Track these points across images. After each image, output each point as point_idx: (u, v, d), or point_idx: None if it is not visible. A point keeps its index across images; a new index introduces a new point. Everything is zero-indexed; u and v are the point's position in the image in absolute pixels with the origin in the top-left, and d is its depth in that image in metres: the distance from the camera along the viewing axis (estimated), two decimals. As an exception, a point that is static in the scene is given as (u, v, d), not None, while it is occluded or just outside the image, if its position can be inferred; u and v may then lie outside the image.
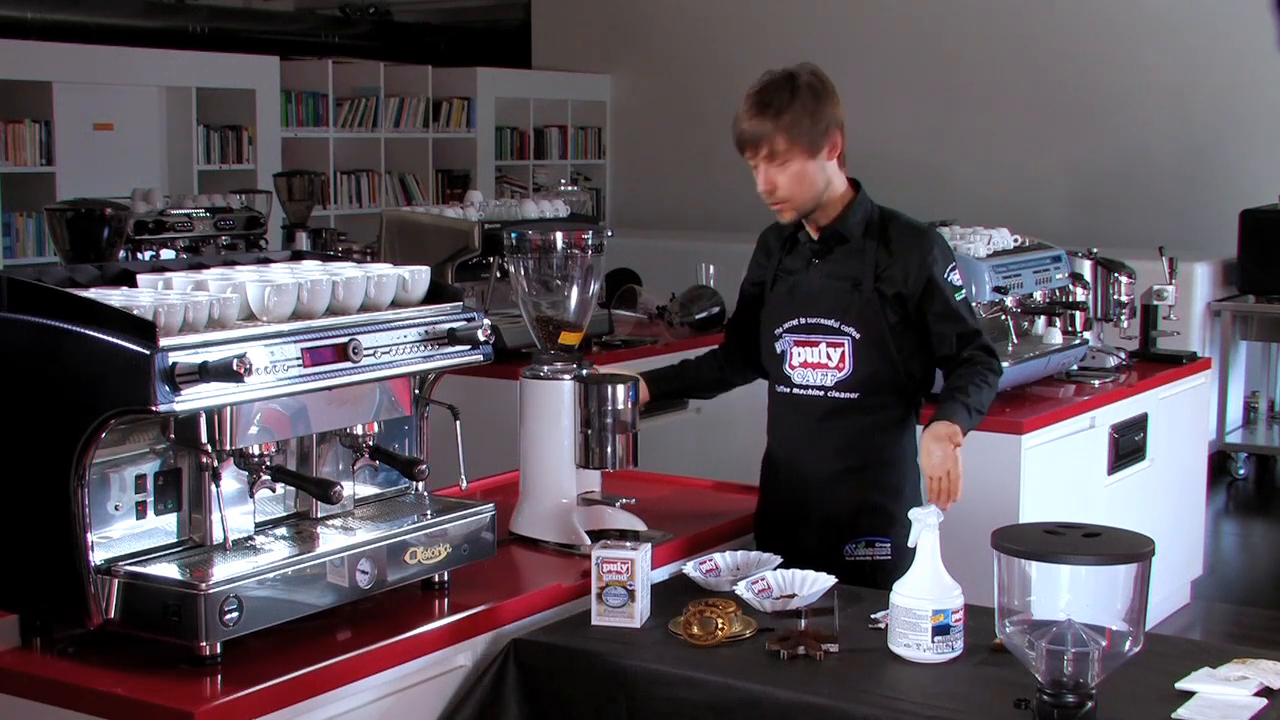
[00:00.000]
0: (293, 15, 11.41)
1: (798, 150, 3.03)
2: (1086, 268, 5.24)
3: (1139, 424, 5.17)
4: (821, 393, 3.12)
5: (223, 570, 2.30)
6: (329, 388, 2.43)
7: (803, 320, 3.14)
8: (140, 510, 2.35)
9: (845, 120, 3.11)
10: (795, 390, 3.15)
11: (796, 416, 3.15)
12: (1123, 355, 5.32)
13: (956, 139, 9.71)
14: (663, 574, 2.87)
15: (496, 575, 2.76)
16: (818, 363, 3.12)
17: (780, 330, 3.17)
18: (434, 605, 2.60)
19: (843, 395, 3.11)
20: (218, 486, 2.37)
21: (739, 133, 3.12)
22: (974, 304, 3.20)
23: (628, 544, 2.66)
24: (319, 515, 2.59)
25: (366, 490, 2.72)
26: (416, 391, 2.70)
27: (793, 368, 3.15)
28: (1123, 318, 5.32)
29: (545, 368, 2.96)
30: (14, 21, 8.83)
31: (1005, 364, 4.56)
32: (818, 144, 3.05)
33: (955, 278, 3.13)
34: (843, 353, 3.10)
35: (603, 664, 2.49)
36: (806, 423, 3.13)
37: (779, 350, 3.17)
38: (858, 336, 3.08)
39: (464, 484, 2.80)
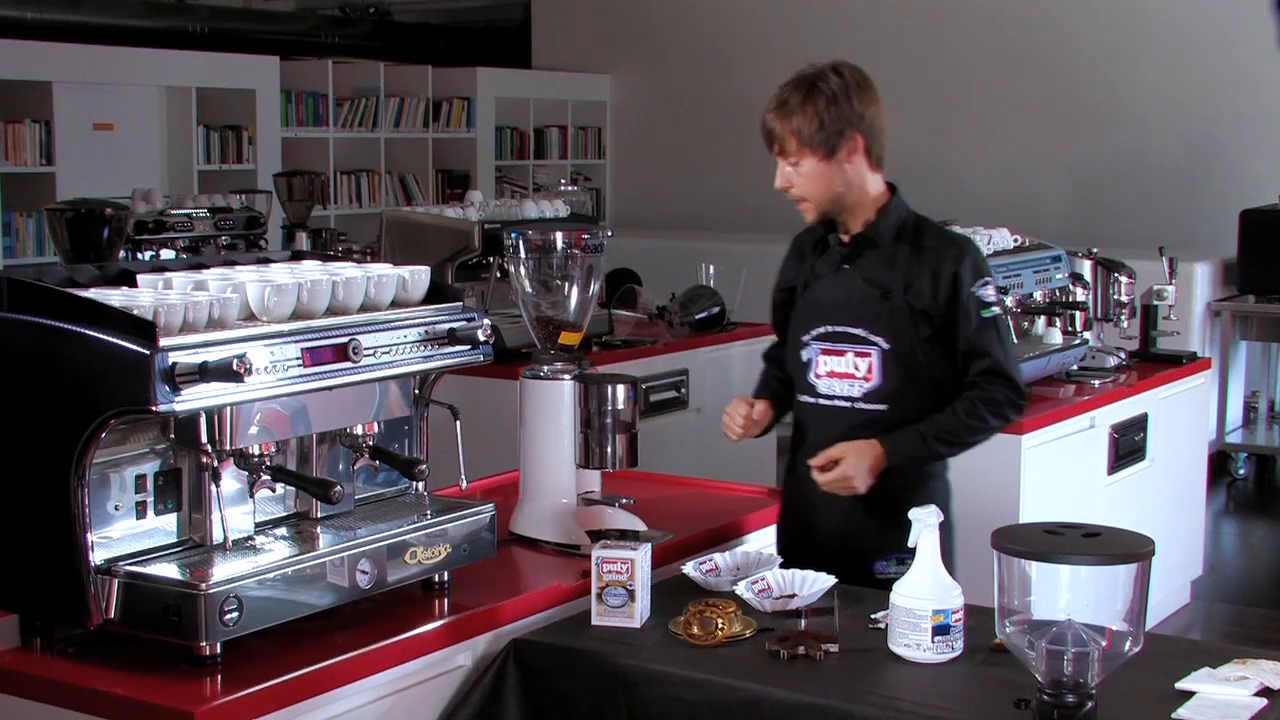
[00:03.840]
0: (293, 15, 11.41)
1: (809, 152, 2.98)
2: (1086, 268, 5.24)
3: (1139, 424, 5.17)
4: (848, 404, 3.04)
5: (223, 570, 2.30)
6: (329, 388, 2.43)
7: (830, 328, 3.06)
8: (140, 510, 2.35)
9: (880, 121, 3.03)
10: (821, 400, 3.07)
11: (822, 428, 3.06)
12: (1123, 355, 5.32)
13: (956, 139, 9.71)
14: (663, 574, 2.87)
15: (496, 575, 2.76)
16: (845, 372, 3.03)
17: (807, 337, 3.09)
18: (434, 605, 2.60)
19: (870, 407, 3.02)
20: (218, 486, 2.36)
21: (762, 129, 3.05)
22: (1007, 319, 3.07)
23: (628, 544, 2.66)
24: (319, 515, 2.59)
25: (366, 490, 2.72)
26: (416, 391, 2.70)
27: (819, 376, 3.06)
28: (1123, 318, 5.33)
29: (545, 368, 2.96)
30: (14, 21, 8.83)
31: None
32: (832, 146, 2.98)
33: (986, 293, 3.01)
34: (870, 363, 3.01)
35: (603, 664, 2.49)
36: (832, 436, 3.02)
37: (805, 358, 3.09)
38: (886, 347, 3.00)
39: (464, 484, 2.80)
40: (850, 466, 2.95)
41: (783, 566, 2.86)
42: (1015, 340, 4.79)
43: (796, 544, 3.12)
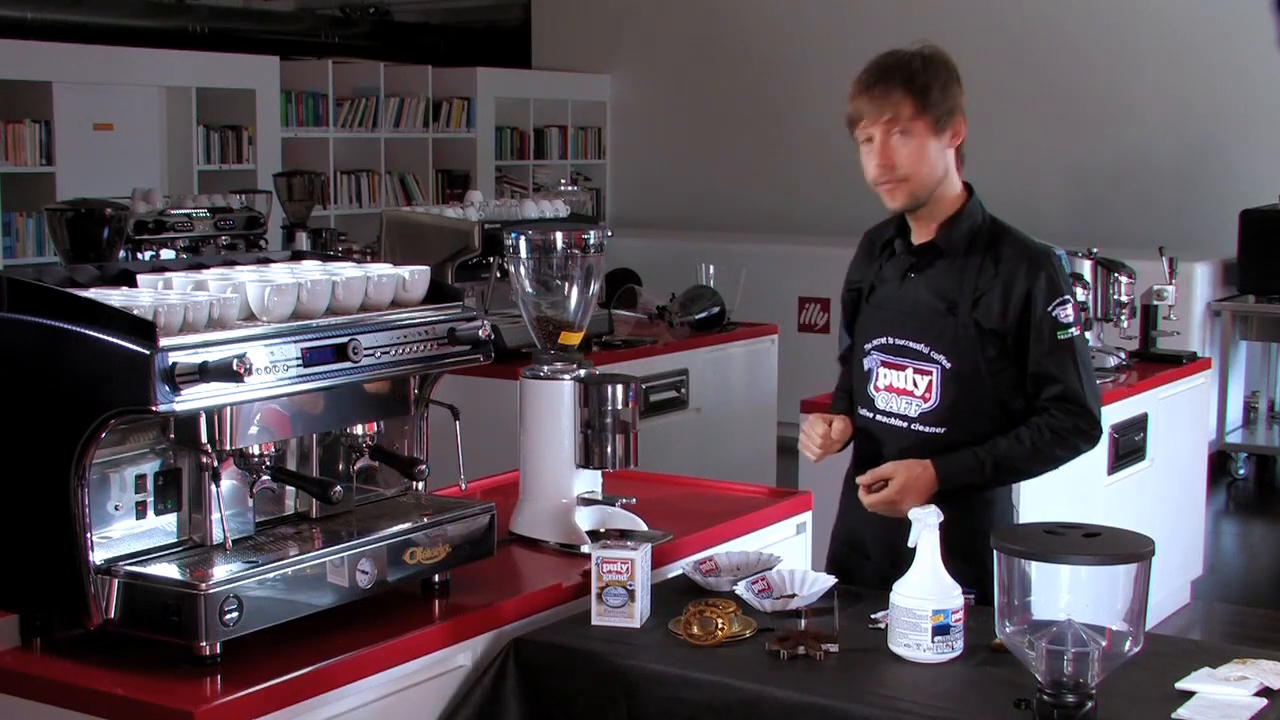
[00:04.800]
0: (293, 15, 11.42)
1: (924, 122, 2.77)
2: (1086, 268, 5.24)
3: (1139, 424, 5.17)
4: (904, 424, 2.87)
5: (223, 570, 2.30)
6: (329, 388, 2.43)
7: (891, 340, 2.89)
8: (140, 510, 2.35)
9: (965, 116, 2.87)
10: (878, 416, 2.91)
11: (875, 446, 2.92)
12: (1123, 355, 5.32)
13: (956, 139, 9.71)
14: (663, 574, 2.87)
15: (496, 575, 2.76)
16: (903, 388, 2.86)
17: (870, 346, 2.92)
18: (434, 605, 2.60)
19: (927, 429, 2.85)
20: (218, 486, 2.36)
21: (858, 99, 2.81)
22: (1089, 343, 2.85)
23: (628, 544, 2.66)
24: (319, 515, 2.59)
25: (366, 490, 2.72)
26: (416, 391, 2.70)
27: (877, 390, 2.90)
28: (1123, 318, 5.33)
29: (545, 368, 2.96)
30: (14, 21, 8.84)
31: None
32: (944, 122, 2.79)
33: (1063, 314, 2.80)
34: (930, 381, 2.83)
35: (603, 664, 2.49)
36: (886, 455, 2.88)
37: (866, 367, 2.93)
38: (948, 366, 2.82)
39: (464, 484, 2.80)
40: (899, 487, 2.81)
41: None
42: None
43: (849, 558, 3.01)
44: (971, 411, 2.84)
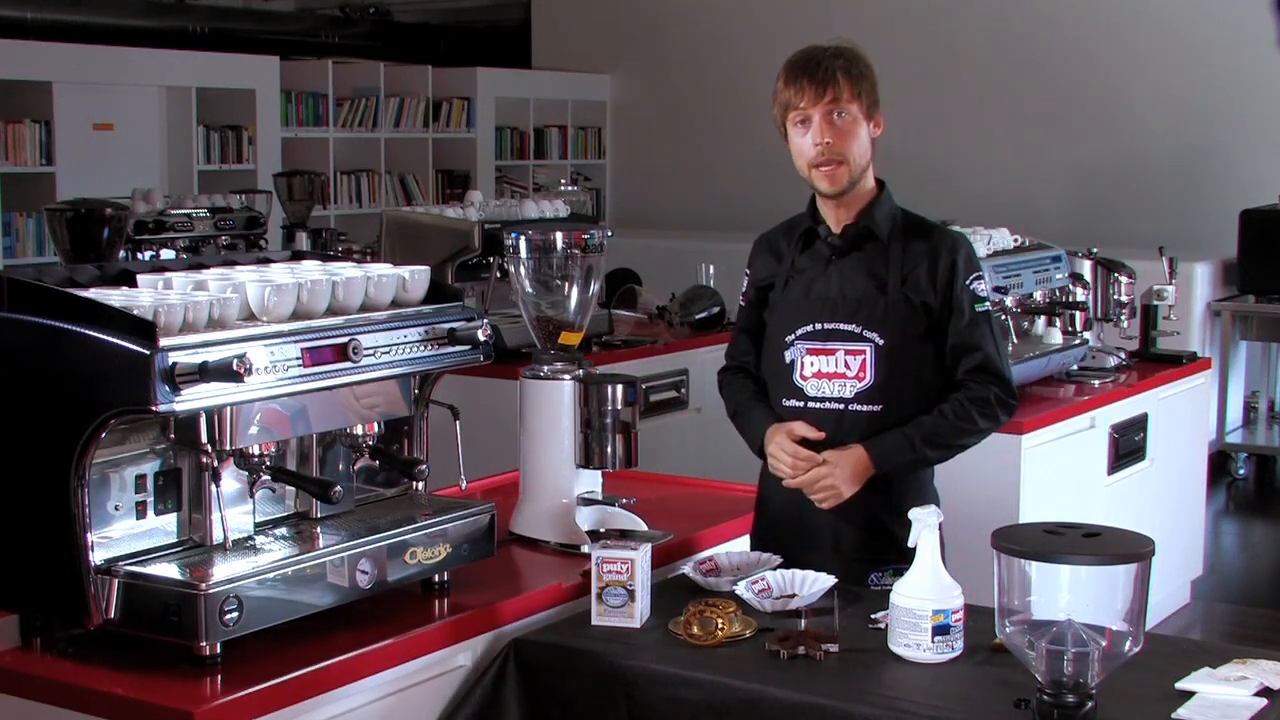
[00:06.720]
0: (293, 15, 11.42)
1: (859, 107, 2.87)
2: (1086, 268, 5.24)
3: (1139, 424, 5.17)
4: (841, 406, 2.89)
5: (223, 570, 2.30)
6: (329, 388, 2.43)
7: (819, 326, 2.92)
8: (140, 510, 2.35)
9: None
10: (810, 404, 2.92)
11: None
12: (1123, 355, 5.32)
13: (956, 139, 9.71)
14: (663, 574, 2.87)
15: (496, 575, 2.76)
16: (834, 372, 2.89)
17: (792, 338, 2.94)
18: (434, 605, 2.60)
19: (864, 408, 2.88)
20: (218, 486, 2.37)
21: (797, 83, 2.87)
22: (1001, 318, 3.00)
23: (628, 544, 2.66)
24: (319, 515, 2.59)
25: (366, 490, 2.72)
26: (416, 391, 2.70)
27: (805, 378, 2.92)
28: (1123, 318, 5.33)
29: (545, 368, 2.96)
30: (14, 21, 8.84)
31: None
32: (873, 111, 2.90)
33: (980, 287, 2.93)
34: (863, 361, 2.88)
35: (603, 664, 2.49)
36: (824, 442, 2.88)
37: (789, 359, 2.95)
38: (881, 343, 2.87)
39: (464, 484, 2.80)
40: (828, 470, 2.85)
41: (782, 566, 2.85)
42: (1015, 340, 4.80)
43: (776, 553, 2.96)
44: (905, 387, 2.90)
